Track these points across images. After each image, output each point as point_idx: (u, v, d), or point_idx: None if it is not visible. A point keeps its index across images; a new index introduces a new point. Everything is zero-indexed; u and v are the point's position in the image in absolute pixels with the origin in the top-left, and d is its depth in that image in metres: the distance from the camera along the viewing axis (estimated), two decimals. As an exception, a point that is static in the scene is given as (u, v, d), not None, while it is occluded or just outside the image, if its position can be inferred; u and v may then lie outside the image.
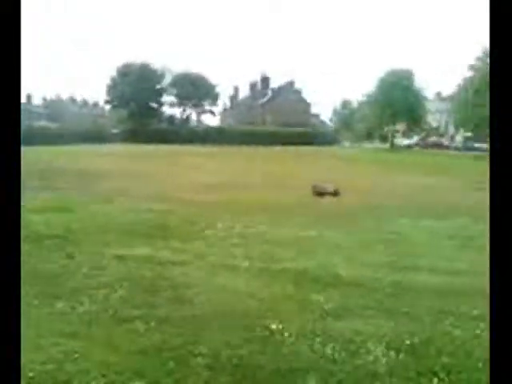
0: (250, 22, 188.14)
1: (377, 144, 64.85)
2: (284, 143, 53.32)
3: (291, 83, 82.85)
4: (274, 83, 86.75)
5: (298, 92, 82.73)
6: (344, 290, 5.02)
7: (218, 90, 70.34)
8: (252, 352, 3.62)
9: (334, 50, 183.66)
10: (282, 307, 4.52)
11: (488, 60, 41.24)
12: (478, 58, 42.08)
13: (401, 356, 3.54)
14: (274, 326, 4.03)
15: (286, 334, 3.89)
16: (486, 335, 3.86)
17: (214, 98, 70.43)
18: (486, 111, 38.81)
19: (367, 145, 65.80)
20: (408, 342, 3.74)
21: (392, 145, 57.40)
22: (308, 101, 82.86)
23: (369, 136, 70.27)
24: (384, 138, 65.40)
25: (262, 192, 13.82)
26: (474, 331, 3.99)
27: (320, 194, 13.62)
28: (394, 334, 3.92)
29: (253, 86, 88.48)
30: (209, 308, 4.49)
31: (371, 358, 3.53)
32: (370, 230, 8.47)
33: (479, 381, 3.20)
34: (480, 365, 3.41)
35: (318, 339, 3.81)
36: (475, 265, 5.95)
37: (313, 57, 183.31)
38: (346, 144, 71.19)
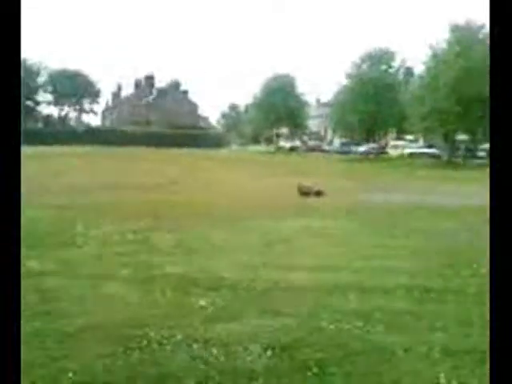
0: (134, 18, 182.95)
1: (261, 147, 66.89)
2: (169, 145, 52.61)
3: (177, 84, 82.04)
4: (160, 83, 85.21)
5: (185, 93, 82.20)
6: (225, 293, 5.03)
7: (99, 87, 67.43)
8: (128, 363, 3.47)
9: (222, 52, 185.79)
10: (161, 314, 4.41)
11: (364, 66, 44.54)
12: (355, 65, 45.15)
13: (277, 354, 3.62)
14: (152, 334, 3.91)
15: (165, 342, 3.80)
16: (358, 328, 4.12)
17: (95, 95, 67.41)
18: (360, 116, 42.00)
19: (253, 147, 67.49)
20: (284, 340, 3.84)
21: (277, 148, 59.51)
22: (195, 102, 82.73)
23: (255, 139, 72.30)
24: (270, 141, 67.68)
25: (140, 194, 13.50)
26: (345, 325, 4.21)
27: (305, 193, 14.04)
28: (271, 333, 4.00)
29: (137, 85, 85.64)
30: (83, 320, 4.23)
31: (249, 358, 3.57)
32: (251, 231, 8.66)
33: (349, 374, 3.38)
34: (352, 358, 3.60)
35: (196, 344, 3.77)
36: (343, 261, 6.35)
37: (201, 58, 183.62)
38: (234, 147, 72.34)
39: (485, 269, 5.66)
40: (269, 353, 3.64)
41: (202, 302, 4.70)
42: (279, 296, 4.99)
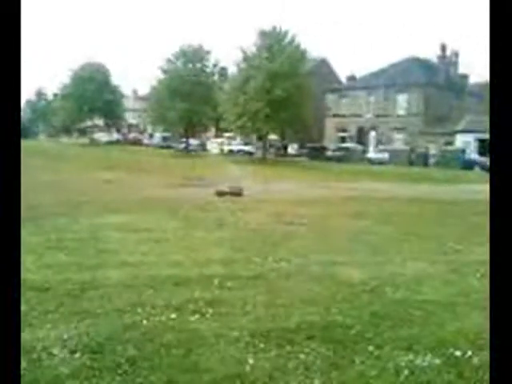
0: None
1: (74, 139, 62.62)
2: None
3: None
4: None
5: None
6: (28, 295, 4.58)
7: None
8: None
9: (26, 35, 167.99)
10: None
11: (179, 63, 44.84)
12: (169, 61, 45.17)
13: (86, 356, 3.43)
14: None
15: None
16: (174, 321, 4.12)
17: None
18: (178, 113, 42.36)
19: (65, 139, 62.79)
20: (94, 342, 3.65)
21: (92, 140, 56.34)
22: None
23: (66, 130, 67.22)
24: (82, 133, 63.62)
25: None
26: (159, 318, 4.19)
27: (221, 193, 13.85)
28: (79, 335, 3.77)
29: None
30: None
31: (55, 362, 3.30)
32: (56, 229, 8.08)
33: (160, 366, 3.36)
34: (173, 351, 3.58)
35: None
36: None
37: None
38: (42, 137, 66.27)
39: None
40: (77, 355, 3.42)
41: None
42: (89, 295, 4.74)
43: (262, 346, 3.74)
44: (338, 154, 41.98)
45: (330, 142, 47.71)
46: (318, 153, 43.21)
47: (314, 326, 4.14)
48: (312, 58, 42.53)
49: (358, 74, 52.78)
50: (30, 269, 5.50)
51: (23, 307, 4.26)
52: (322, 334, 3.99)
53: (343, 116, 49.31)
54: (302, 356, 3.58)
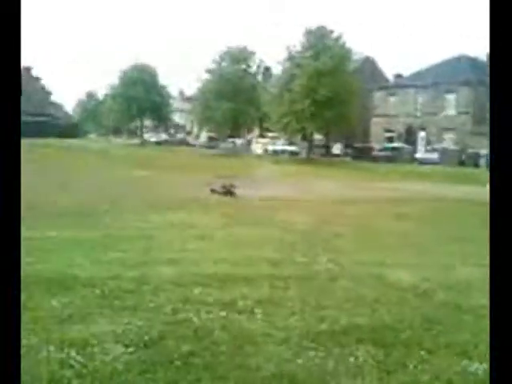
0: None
1: (124, 139, 64.30)
2: (22, 134, 47.84)
3: (28, 69, 75.43)
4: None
5: (37, 79, 75.89)
6: (82, 292, 4.76)
7: None
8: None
9: (78, 37, 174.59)
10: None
11: (224, 64, 45.30)
12: (215, 62, 45.72)
13: (139, 351, 3.53)
14: None
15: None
16: (224, 319, 4.19)
17: None
18: (223, 113, 42.79)
19: (117, 139, 64.54)
20: (147, 337, 3.75)
21: (142, 141, 57.69)
22: (47, 89, 76.71)
23: (117, 130, 69.15)
24: (132, 133, 65.20)
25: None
26: (209, 315, 4.26)
27: (213, 191, 13.53)
28: (132, 330, 3.88)
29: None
30: None
31: (109, 357, 3.42)
32: (108, 227, 8.33)
33: (211, 363, 3.42)
34: (223, 348, 3.63)
35: (52, 347, 3.50)
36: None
37: (54, 43, 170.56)
38: (93, 137, 68.49)
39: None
40: (130, 349, 3.53)
41: (56, 303, 4.39)
42: (143, 291, 4.88)
43: (310, 346, 3.74)
44: (384, 153, 41.15)
45: (377, 142, 46.81)
46: (363, 153, 42.51)
47: (363, 329, 4.09)
48: (357, 56, 41.93)
49: (405, 73, 51.59)
50: (84, 265, 5.71)
51: (78, 302, 4.45)
52: (371, 336, 3.94)
53: (390, 115, 48.29)
54: (351, 359, 3.55)
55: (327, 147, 46.94)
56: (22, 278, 4.88)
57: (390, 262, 6.58)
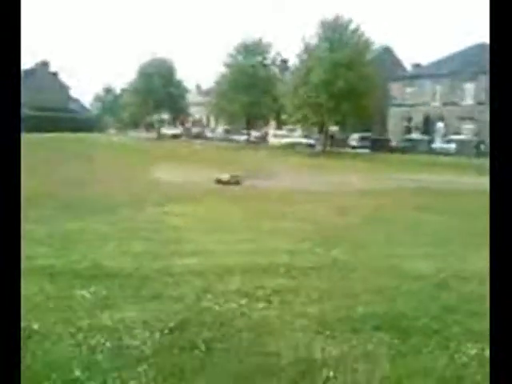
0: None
1: (142, 133, 64.80)
2: (38, 129, 48.59)
3: (45, 64, 76.46)
4: (26, 64, 78.82)
5: (54, 74, 76.93)
6: (108, 281, 4.95)
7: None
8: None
9: (94, 33, 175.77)
10: (41, 306, 4.23)
11: (240, 56, 45.30)
12: (231, 55, 45.75)
13: (165, 336, 3.70)
14: (35, 327, 3.75)
15: (48, 333, 3.67)
16: (244, 307, 4.34)
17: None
18: (240, 106, 42.88)
19: (133, 133, 65.12)
20: (172, 323, 3.92)
21: (159, 134, 58.10)
22: (65, 83, 77.70)
23: (134, 124, 69.68)
24: (150, 127, 65.67)
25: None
26: (230, 304, 4.41)
27: (220, 181, 13.93)
28: (158, 317, 4.06)
29: (1, 65, 78.98)
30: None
31: (137, 342, 3.59)
32: (132, 219, 8.54)
33: (233, 349, 3.57)
34: (244, 334, 3.79)
35: (81, 334, 3.69)
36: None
37: (73, 37, 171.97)
38: (111, 132, 69.17)
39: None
40: (157, 335, 3.70)
41: (84, 292, 4.59)
42: (167, 280, 5.06)
43: (328, 333, 3.86)
44: (402, 145, 40.83)
45: (394, 133, 46.48)
46: (381, 144, 42.22)
47: (379, 317, 4.20)
48: (375, 46, 41.51)
49: (424, 62, 50.98)
50: (110, 256, 5.92)
51: (104, 292, 4.64)
52: (388, 324, 4.04)
53: (408, 105, 47.84)
54: (368, 345, 3.67)
55: (344, 139, 46.72)
56: (54, 269, 5.17)
57: (407, 252, 6.65)
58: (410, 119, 48.29)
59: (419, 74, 48.98)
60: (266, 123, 54.36)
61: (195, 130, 65.63)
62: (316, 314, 4.27)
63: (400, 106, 48.61)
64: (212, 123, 68.37)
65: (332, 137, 44.06)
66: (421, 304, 4.56)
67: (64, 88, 76.71)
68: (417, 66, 51.99)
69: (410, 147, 39.71)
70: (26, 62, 79.97)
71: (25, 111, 59.98)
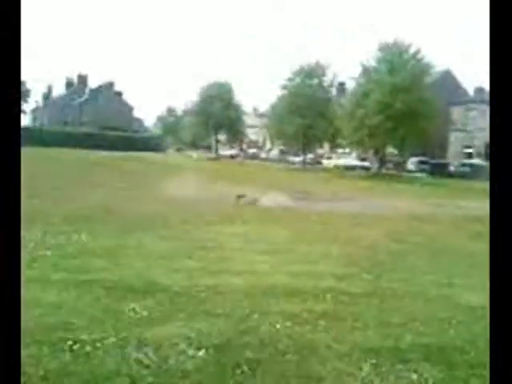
0: (67, 15, 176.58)
1: (201, 153, 66.46)
2: (103, 147, 51.02)
3: (111, 84, 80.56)
4: (93, 83, 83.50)
5: (119, 94, 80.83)
6: (159, 297, 5.12)
7: (28, 86, 64.84)
8: (61, 365, 3.49)
9: (160, 54, 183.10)
10: (94, 318, 4.43)
11: (298, 79, 45.70)
12: (289, 79, 46.28)
13: (209, 354, 3.78)
14: (84, 337, 3.94)
15: (99, 344, 3.84)
16: (289, 329, 4.36)
17: (24, 95, 64.72)
18: (296, 128, 43.14)
19: (193, 153, 66.87)
20: (216, 341, 4.01)
21: (217, 155, 59.42)
22: (130, 104, 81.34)
23: (193, 145, 71.75)
24: (208, 148, 67.40)
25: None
26: (275, 325, 4.44)
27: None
28: (204, 334, 4.15)
29: (69, 84, 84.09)
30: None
31: (182, 358, 3.70)
32: (184, 237, 8.75)
33: (281, 372, 3.59)
34: (287, 357, 3.82)
35: (130, 347, 3.84)
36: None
37: (138, 59, 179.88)
38: (171, 151, 71.40)
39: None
40: (201, 353, 3.79)
41: (136, 306, 4.77)
42: (215, 299, 5.17)
43: (373, 362, 3.81)
44: (461, 170, 39.45)
45: (454, 158, 45.06)
46: (439, 169, 41.00)
47: (427, 348, 4.10)
48: (436, 69, 40.68)
49: (487, 87, 49.37)
50: (160, 272, 6.11)
51: (155, 308, 4.80)
52: (435, 355, 3.94)
53: (469, 130, 46.32)
54: (414, 376, 3.59)
55: (401, 163, 45.75)
56: (108, 283, 5.40)
57: (460, 282, 6.43)
58: (471, 145, 46.68)
59: (482, 98, 47.44)
60: (321, 145, 54.26)
61: (251, 150, 66.65)
62: (360, 341, 4.22)
63: (462, 130, 47.14)
64: (268, 144, 69.13)
65: (389, 160, 43.28)
66: (472, 336, 4.41)
67: (128, 108, 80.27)
68: (480, 90, 50.40)
69: (469, 173, 38.30)
70: (93, 81, 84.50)
71: (89, 129, 63.49)
